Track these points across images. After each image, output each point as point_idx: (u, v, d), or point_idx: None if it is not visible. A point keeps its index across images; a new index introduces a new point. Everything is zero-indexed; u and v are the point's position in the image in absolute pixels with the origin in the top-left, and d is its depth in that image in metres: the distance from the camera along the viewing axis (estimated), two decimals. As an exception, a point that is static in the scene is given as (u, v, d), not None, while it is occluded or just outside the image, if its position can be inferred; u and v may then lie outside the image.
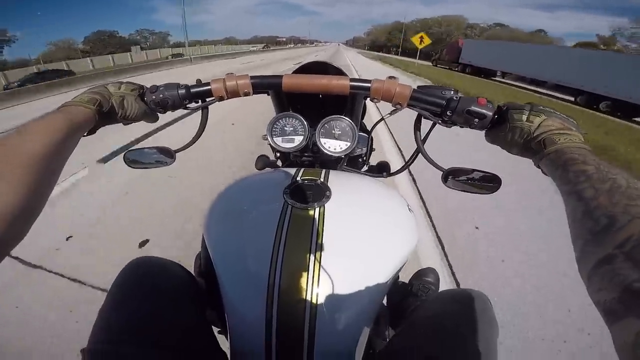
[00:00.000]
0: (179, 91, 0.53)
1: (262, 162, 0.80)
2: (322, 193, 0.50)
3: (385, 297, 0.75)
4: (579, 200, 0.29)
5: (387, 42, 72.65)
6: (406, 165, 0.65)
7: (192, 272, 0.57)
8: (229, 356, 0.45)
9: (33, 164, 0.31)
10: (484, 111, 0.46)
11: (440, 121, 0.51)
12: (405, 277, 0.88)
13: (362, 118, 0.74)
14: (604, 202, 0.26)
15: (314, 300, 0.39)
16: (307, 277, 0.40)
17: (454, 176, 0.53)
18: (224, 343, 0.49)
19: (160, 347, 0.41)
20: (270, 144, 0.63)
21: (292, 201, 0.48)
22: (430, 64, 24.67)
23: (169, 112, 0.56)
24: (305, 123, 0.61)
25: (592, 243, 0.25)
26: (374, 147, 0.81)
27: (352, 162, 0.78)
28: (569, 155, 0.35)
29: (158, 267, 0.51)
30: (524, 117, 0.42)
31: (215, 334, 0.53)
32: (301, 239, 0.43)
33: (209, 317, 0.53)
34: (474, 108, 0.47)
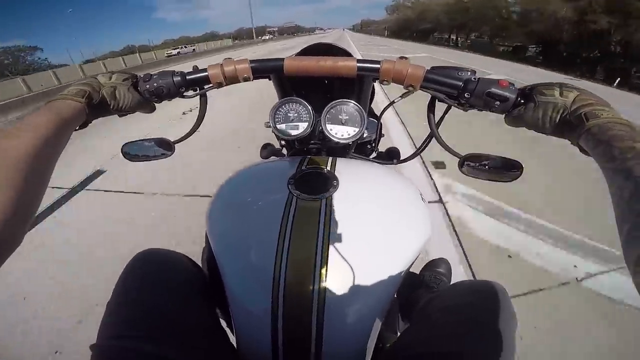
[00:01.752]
0: (174, 78, 0.51)
1: (267, 150, 0.78)
2: (328, 182, 0.49)
3: None
4: (627, 179, 0.26)
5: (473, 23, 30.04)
6: (418, 151, 0.62)
7: (200, 264, 0.57)
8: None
9: (22, 165, 0.31)
10: (506, 93, 0.43)
11: (456, 104, 0.48)
12: (415, 268, 0.86)
13: (371, 102, 0.70)
14: None
15: (321, 294, 0.38)
16: (314, 271, 0.39)
17: (471, 162, 0.50)
18: (232, 336, 0.48)
19: (169, 341, 0.41)
20: (273, 132, 0.61)
21: (297, 192, 0.47)
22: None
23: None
24: (310, 108, 0.59)
25: None
26: (383, 132, 0.77)
27: (360, 149, 0.76)
28: (613, 131, 0.32)
29: (165, 259, 0.50)
30: (557, 93, 0.40)
31: (225, 327, 0.53)
32: (307, 231, 0.42)
33: (217, 310, 0.53)
34: (494, 90, 0.43)
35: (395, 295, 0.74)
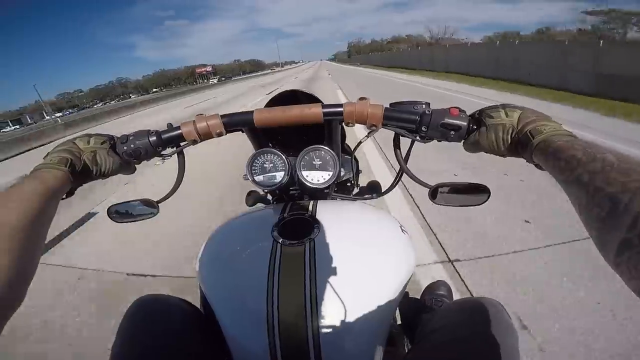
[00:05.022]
0: (150, 138, 0.51)
1: (253, 198, 0.79)
2: (310, 227, 0.50)
3: (399, 316, 0.73)
4: (579, 189, 0.28)
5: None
6: (393, 185, 0.65)
7: (199, 307, 0.57)
8: None
9: (14, 234, 0.31)
10: (458, 122, 0.45)
11: (418, 138, 0.50)
12: (417, 294, 0.86)
13: (344, 140, 0.73)
14: (601, 185, 0.26)
15: (315, 331, 0.39)
16: (305, 310, 0.40)
17: (441, 191, 0.52)
18: None
19: None
20: (252, 184, 0.62)
21: (281, 239, 0.48)
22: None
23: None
24: (284, 157, 0.60)
25: (605, 230, 0.24)
26: (360, 169, 0.80)
27: (341, 187, 0.77)
28: (557, 143, 0.34)
29: (163, 304, 0.51)
30: (502, 114, 0.42)
31: None
32: (294, 274, 0.43)
33: (218, 349, 0.53)
34: (447, 120, 0.45)
35: (400, 322, 0.73)
